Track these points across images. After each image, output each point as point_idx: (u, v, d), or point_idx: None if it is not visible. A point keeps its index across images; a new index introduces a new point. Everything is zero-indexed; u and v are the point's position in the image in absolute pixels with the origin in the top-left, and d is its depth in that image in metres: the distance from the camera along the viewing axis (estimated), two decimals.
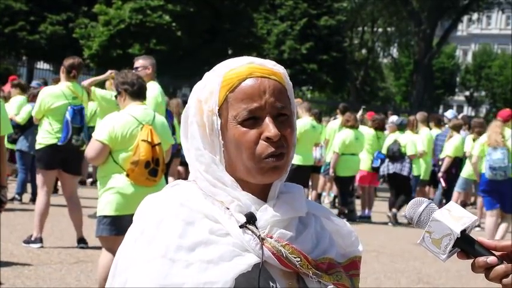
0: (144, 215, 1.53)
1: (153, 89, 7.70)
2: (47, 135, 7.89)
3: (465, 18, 50.44)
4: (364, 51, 49.95)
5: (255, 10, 31.41)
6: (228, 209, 1.52)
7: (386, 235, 10.93)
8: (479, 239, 1.51)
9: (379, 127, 13.35)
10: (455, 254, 1.51)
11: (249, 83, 1.51)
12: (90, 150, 5.61)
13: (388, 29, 48.90)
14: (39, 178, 8.05)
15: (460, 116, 18.10)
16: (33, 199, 11.01)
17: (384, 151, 12.45)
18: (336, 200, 13.86)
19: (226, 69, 1.54)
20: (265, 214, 1.52)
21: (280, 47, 34.02)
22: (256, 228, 1.49)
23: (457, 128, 13.80)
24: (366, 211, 12.94)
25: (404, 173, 12.14)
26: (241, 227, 1.49)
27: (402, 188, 12.13)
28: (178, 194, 1.56)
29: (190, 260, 1.45)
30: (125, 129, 5.52)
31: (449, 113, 18.48)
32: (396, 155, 12.15)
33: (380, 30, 49.96)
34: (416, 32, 40.46)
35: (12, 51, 30.78)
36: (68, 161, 7.91)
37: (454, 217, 1.49)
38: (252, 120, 1.51)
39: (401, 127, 12.75)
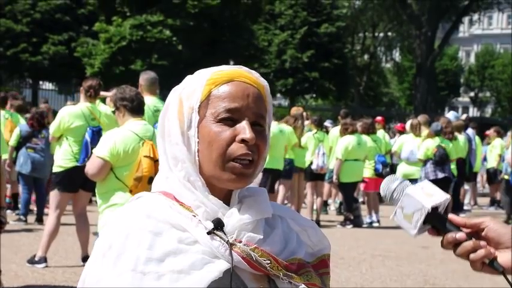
0: (111, 229, 1.52)
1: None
2: (67, 157, 7.69)
3: (466, 19, 50.41)
4: (366, 56, 49.99)
5: (254, 21, 31.49)
6: (195, 216, 1.51)
7: (392, 239, 10.90)
8: (449, 216, 1.54)
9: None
10: (427, 231, 1.54)
11: (235, 84, 1.53)
12: (91, 166, 5.62)
13: (389, 33, 48.92)
14: (53, 198, 7.84)
15: (463, 117, 18.07)
16: (38, 219, 11.02)
17: (422, 157, 12.29)
18: (342, 207, 13.84)
19: (214, 70, 1.57)
20: (232, 219, 1.51)
21: (282, 57, 34.11)
22: (224, 233, 1.49)
23: (459, 129, 13.78)
24: (373, 216, 12.92)
25: (450, 176, 12.13)
26: (209, 233, 1.49)
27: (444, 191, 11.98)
28: (143, 205, 1.54)
29: (161, 272, 1.45)
30: (126, 145, 5.54)
31: (451, 115, 18.46)
32: (445, 159, 12.04)
33: (381, 35, 50.00)
34: (417, 35, 40.41)
35: (15, 74, 30.96)
36: (88, 179, 7.76)
37: (426, 193, 1.53)
38: (230, 121, 1.51)
39: (439, 133, 12.51)
